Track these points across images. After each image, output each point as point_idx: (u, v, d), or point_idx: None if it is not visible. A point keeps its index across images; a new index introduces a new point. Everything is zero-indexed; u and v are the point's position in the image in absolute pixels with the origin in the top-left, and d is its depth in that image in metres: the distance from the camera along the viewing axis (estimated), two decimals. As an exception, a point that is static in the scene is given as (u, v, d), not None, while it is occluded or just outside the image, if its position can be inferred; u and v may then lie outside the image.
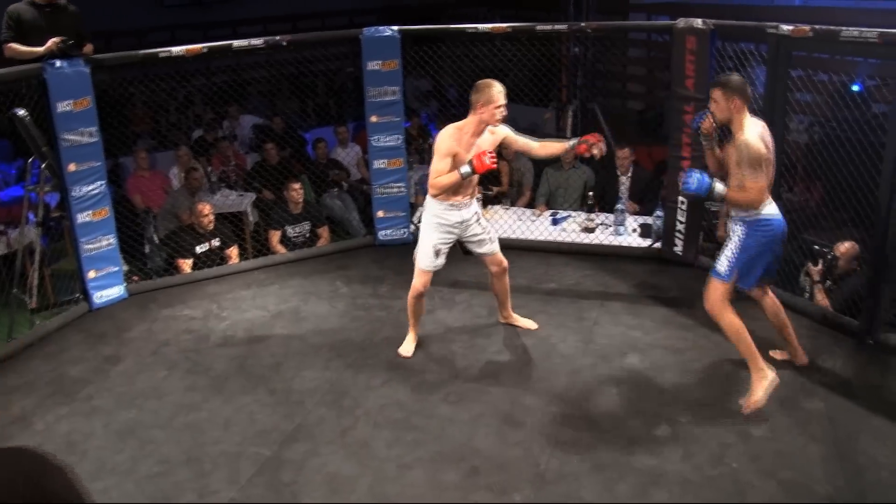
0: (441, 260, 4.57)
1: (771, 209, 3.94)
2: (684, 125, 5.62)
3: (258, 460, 3.76)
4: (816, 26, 4.72)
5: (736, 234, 3.99)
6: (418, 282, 4.58)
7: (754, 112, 4.12)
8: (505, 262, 4.73)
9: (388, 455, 3.79)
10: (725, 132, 4.13)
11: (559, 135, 8.08)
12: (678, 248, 5.92)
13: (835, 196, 5.09)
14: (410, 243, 6.40)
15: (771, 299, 4.30)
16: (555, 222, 6.56)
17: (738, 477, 3.56)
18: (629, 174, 6.78)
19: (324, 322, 5.18)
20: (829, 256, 5.08)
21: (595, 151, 4.50)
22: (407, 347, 4.74)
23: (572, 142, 4.69)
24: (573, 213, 6.72)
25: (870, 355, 4.53)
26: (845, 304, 4.95)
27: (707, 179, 3.90)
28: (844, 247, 5.04)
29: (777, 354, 4.44)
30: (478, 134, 4.43)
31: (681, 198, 5.78)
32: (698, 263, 5.83)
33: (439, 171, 4.31)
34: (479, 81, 4.43)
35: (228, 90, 9.07)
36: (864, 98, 6.54)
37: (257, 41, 5.79)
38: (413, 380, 4.45)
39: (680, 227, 5.87)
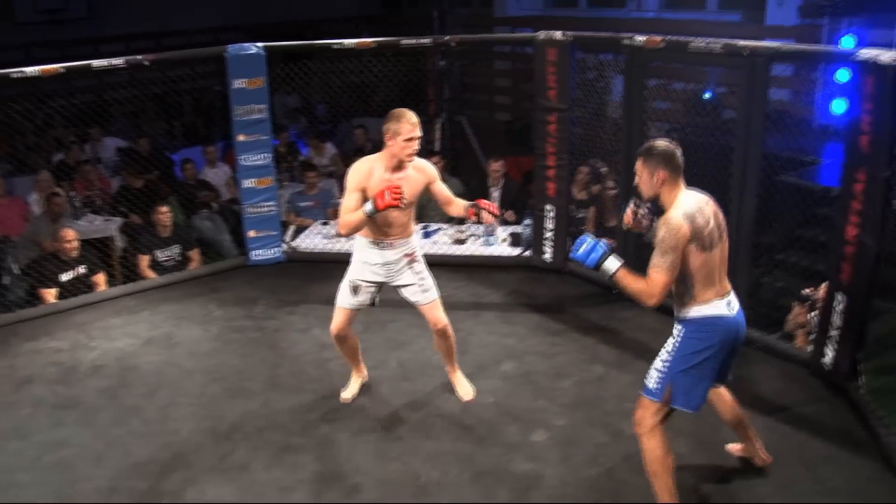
0: (362, 297, 4.13)
1: (717, 307, 3.18)
2: (549, 135, 5.80)
3: (134, 494, 3.64)
4: (668, 37, 4.96)
5: (671, 339, 3.26)
6: (334, 321, 4.18)
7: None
8: (441, 323, 4.19)
9: (268, 479, 3.74)
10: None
11: (427, 147, 8.16)
12: (547, 256, 6.10)
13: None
14: (283, 262, 6.35)
15: (723, 394, 3.60)
16: (426, 235, 6.62)
17: (613, 476, 3.70)
18: (500, 186, 6.92)
19: (198, 347, 5.05)
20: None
21: (484, 216, 4.01)
22: (348, 391, 4.41)
23: (466, 204, 4.10)
24: (443, 226, 6.81)
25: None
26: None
27: (600, 249, 3.18)
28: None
29: (735, 449, 3.81)
30: (392, 169, 3.90)
31: (547, 206, 5.96)
32: (567, 269, 6.02)
33: (347, 207, 3.84)
34: (393, 110, 3.91)
35: (90, 111, 8.71)
36: (715, 105, 6.95)
37: (118, 60, 5.58)
38: (291, 400, 4.40)
39: (548, 234, 6.06)
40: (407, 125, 3.82)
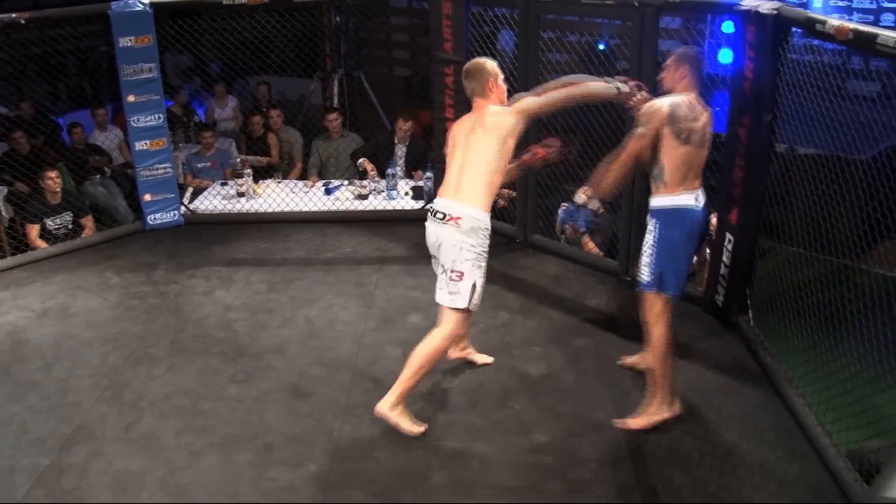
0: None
1: (685, 199, 3.50)
2: (447, 87, 5.77)
3: (35, 471, 3.49)
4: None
5: (647, 233, 3.60)
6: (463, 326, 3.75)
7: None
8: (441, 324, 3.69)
9: (177, 444, 3.65)
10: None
11: (326, 104, 8.04)
12: (449, 208, 6.10)
13: (589, 149, 5.44)
14: (182, 226, 6.17)
15: None
16: (328, 192, 6.55)
17: (521, 417, 3.79)
18: (407, 143, 6.87)
19: (95, 316, 4.86)
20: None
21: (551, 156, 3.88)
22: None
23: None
24: (345, 182, 6.73)
25: (628, 291, 4.94)
26: (604, 245, 5.37)
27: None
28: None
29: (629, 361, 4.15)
30: None
31: (447, 159, 5.95)
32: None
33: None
34: (473, 64, 3.67)
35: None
36: (609, 56, 7.05)
37: (-10, 19, 5.23)
38: (197, 363, 4.31)
39: (449, 186, 6.05)
40: (496, 68, 3.66)
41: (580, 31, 7.90)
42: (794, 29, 3.90)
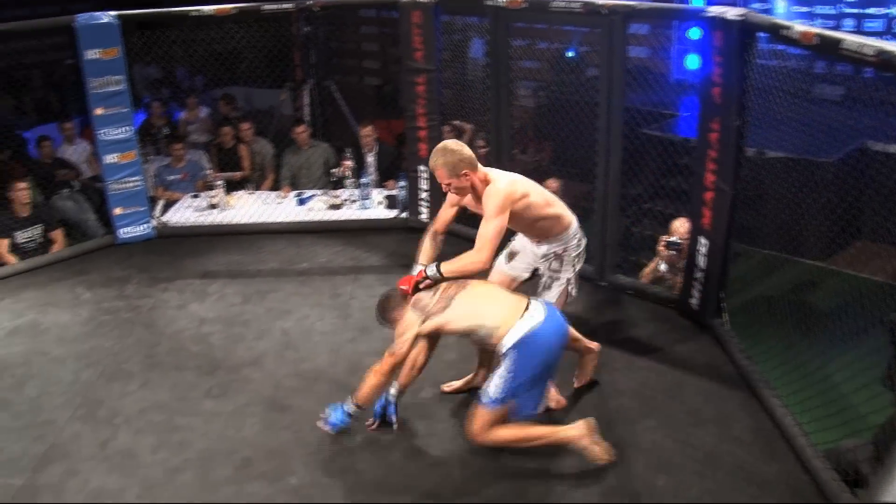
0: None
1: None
2: (418, 97, 5.77)
3: (9, 492, 3.40)
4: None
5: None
6: None
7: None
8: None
9: (153, 461, 3.59)
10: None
11: (296, 114, 8.00)
12: (423, 216, 6.11)
13: (562, 153, 5.46)
14: (153, 239, 6.10)
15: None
16: (301, 202, 6.53)
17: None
18: (374, 151, 6.85)
19: (67, 332, 4.78)
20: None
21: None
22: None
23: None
24: (318, 192, 6.70)
25: (603, 296, 4.96)
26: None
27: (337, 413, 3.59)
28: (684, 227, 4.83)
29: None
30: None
31: (421, 167, 5.96)
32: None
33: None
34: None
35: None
36: (578, 63, 7.10)
37: (-51, 32, 5.13)
38: (172, 379, 4.24)
39: (424, 195, 6.06)
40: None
41: (550, 38, 7.94)
42: (759, 34, 3.94)
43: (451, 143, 3.55)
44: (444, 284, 3.46)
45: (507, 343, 3.24)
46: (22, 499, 3.37)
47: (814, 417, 3.47)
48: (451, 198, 3.70)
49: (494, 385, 3.28)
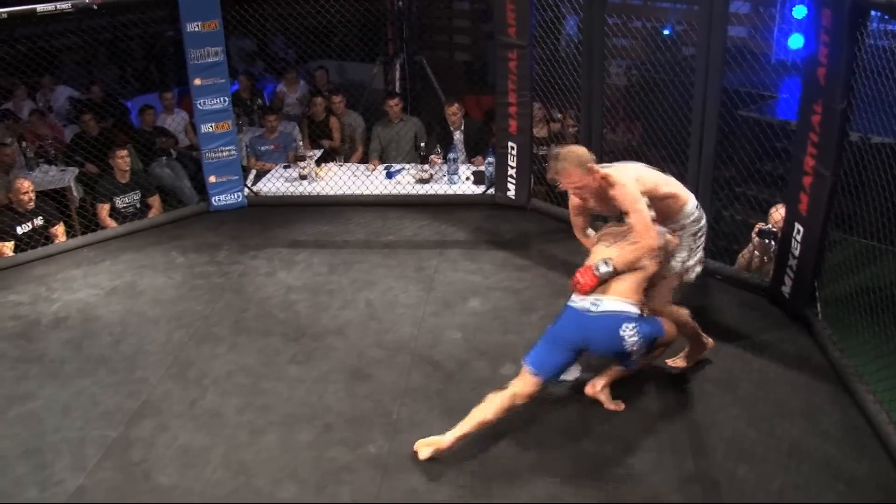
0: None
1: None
2: (509, 72, 5.73)
3: (104, 443, 3.59)
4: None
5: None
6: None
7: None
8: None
9: (239, 422, 3.71)
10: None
11: (387, 88, 8.05)
12: (511, 193, 6.08)
13: (653, 134, 5.34)
14: (245, 207, 6.26)
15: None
16: (389, 175, 6.57)
17: (582, 408, 3.71)
18: (461, 128, 6.84)
19: (161, 294, 4.97)
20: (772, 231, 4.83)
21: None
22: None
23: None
24: (407, 166, 6.74)
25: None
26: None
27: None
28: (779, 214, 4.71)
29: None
30: None
31: (510, 143, 5.92)
32: (531, 206, 6.02)
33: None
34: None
35: (37, 59, 8.37)
36: (675, 41, 6.91)
37: (64, 4, 5.32)
38: (258, 344, 4.37)
39: (511, 172, 6.03)
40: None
41: (645, 15, 7.75)
42: (872, 13, 3.75)
43: (569, 146, 3.56)
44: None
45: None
46: (116, 450, 3.54)
47: (910, 415, 3.32)
48: (575, 203, 3.80)
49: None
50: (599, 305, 3.43)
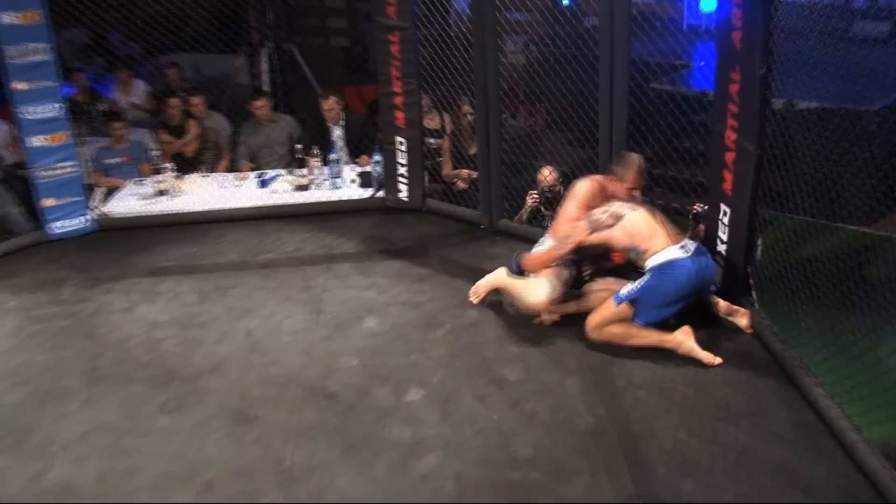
0: None
1: (669, 252, 4.12)
2: (392, 57, 5.67)
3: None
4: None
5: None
6: None
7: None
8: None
9: (98, 493, 3.47)
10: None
11: (254, 82, 7.89)
12: (403, 194, 6.04)
13: (558, 116, 5.37)
14: (93, 233, 6.03)
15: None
16: (262, 184, 6.51)
17: (500, 428, 3.70)
18: (341, 122, 6.75)
19: (-9, 347, 4.68)
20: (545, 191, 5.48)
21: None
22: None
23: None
24: (282, 172, 6.64)
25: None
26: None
27: None
28: (552, 177, 5.49)
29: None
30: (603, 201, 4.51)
31: (398, 138, 5.85)
32: (427, 208, 5.99)
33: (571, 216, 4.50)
34: (627, 155, 4.58)
35: None
36: (575, 12, 6.99)
37: None
38: (119, 394, 4.15)
39: (402, 170, 5.98)
40: (636, 175, 4.49)
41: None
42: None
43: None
44: (616, 204, 4.32)
45: (650, 263, 4.12)
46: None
47: (865, 408, 3.39)
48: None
49: (627, 289, 4.17)
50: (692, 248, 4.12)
